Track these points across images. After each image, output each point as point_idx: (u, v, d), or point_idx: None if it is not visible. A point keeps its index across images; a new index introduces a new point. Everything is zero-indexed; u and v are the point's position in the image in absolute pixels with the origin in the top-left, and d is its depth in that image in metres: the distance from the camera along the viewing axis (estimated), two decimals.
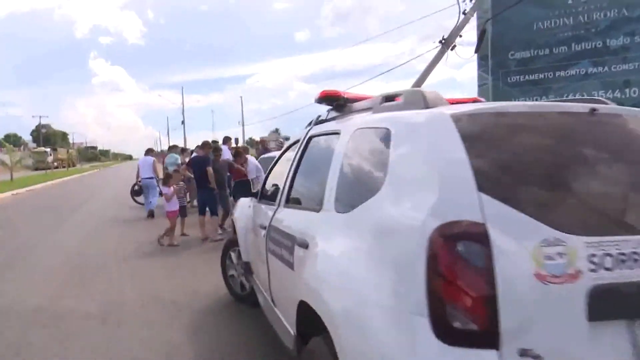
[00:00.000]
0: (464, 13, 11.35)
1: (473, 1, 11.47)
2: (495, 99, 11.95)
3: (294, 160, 3.20)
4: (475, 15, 11.95)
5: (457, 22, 11.35)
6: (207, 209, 8.43)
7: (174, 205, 8.09)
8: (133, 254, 7.46)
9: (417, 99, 2.11)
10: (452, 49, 11.45)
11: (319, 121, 3.19)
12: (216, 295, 5.18)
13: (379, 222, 1.85)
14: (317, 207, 2.48)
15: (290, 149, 3.66)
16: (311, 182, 2.86)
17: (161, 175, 14.18)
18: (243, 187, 4.15)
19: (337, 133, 2.61)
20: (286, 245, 2.71)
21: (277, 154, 10.26)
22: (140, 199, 13.14)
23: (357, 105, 2.82)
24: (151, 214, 11.82)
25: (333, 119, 2.99)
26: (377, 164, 2.08)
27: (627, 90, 10.41)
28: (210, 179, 8.12)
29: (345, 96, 2.96)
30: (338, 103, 2.96)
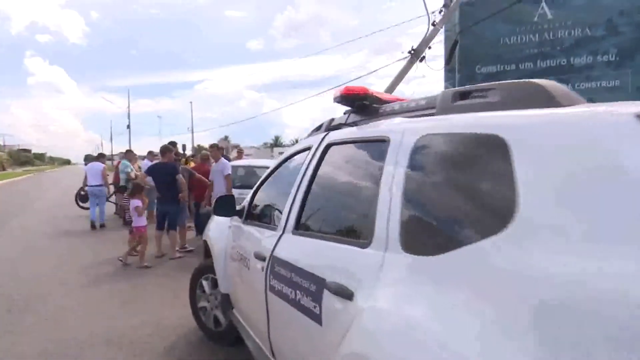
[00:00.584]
0: (433, 24, 11.16)
1: (442, 13, 11.32)
2: None
3: (302, 174, 2.54)
4: (442, 28, 11.85)
5: (427, 33, 11.15)
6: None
7: (143, 220, 7.14)
8: (78, 278, 6.45)
9: (533, 94, 1.56)
10: (421, 61, 11.21)
11: (333, 126, 2.59)
12: (184, 331, 4.40)
13: (514, 278, 1.23)
14: (361, 240, 1.87)
15: (290, 159, 3.03)
16: (342, 205, 2.27)
17: (115, 184, 13.17)
18: (226, 204, 3.43)
19: (383, 140, 1.99)
20: (307, 289, 2.08)
21: (242, 162, 9.56)
22: (88, 204, 11.92)
23: (392, 106, 2.26)
24: (94, 225, 10.73)
25: (356, 122, 2.41)
26: (490, 185, 1.47)
27: None
28: (183, 188, 7.28)
29: (374, 95, 2.39)
30: (364, 103, 2.38)
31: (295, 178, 2.51)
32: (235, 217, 3.47)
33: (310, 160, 2.46)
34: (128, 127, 52.72)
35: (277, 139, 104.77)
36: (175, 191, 7.26)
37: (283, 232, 2.52)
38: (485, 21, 11.15)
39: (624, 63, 10.30)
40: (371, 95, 2.35)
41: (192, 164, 10.12)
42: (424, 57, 11.34)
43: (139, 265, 6.95)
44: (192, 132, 57.44)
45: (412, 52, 11.20)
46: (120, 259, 7.11)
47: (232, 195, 3.52)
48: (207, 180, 8.33)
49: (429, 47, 11.41)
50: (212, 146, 7.78)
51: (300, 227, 2.41)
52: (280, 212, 2.66)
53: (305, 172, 2.47)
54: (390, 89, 11.36)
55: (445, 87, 12.12)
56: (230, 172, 7.27)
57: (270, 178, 3.36)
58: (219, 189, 7.31)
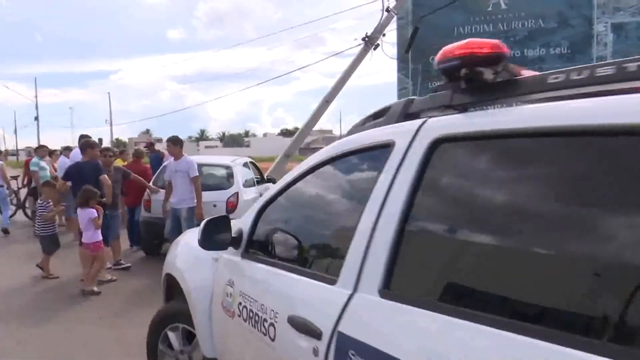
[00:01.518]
0: (387, 10, 10.52)
1: (396, 1, 10.72)
2: None
3: (385, 191, 1.46)
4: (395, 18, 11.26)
5: (381, 19, 10.50)
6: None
7: (99, 234, 5.67)
8: None
9: None
10: (375, 48, 10.54)
11: (412, 112, 1.69)
12: None
13: None
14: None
15: (336, 164, 1.89)
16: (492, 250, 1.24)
17: (19, 185, 11.05)
18: (219, 231, 2.20)
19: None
20: None
21: (191, 159, 8.12)
22: None
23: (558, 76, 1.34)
24: (4, 231, 8.98)
25: (469, 105, 1.52)
26: None
27: None
28: (108, 192, 5.87)
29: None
30: (495, 73, 1.46)
31: (365, 196, 1.51)
32: (230, 250, 2.32)
33: (399, 168, 1.44)
34: (36, 119, 47.51)
35: (202, 132, 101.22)
36: (102, 196, 5.88)
37: (354, 290, 1.45)
38: (440, 10, 10.72)
39: (575, 56, 10.30)
40: (506, 56, 1.43)
41: (121, 162, 8.58)
42: (378, 44, 10.69)
43: (86, 289, 5.48)
44: (111, 125, 53.44)
45: (366, 39, 10.49)
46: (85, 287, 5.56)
47: (226, 217, 2.36)
48: (144, 181, 7.01)
49: (384, 35, 10.78)
50: (172, 141, 6.37)
51: (397, 286, 1.36)
52: (338, 253, 1.65)
53: (390, 187, 1.44)
54: (343, 80, 10.60)
55: (399, 79, 11.59)
56: (196, 174, 6.03)
57: (292, 191, 2.12)
58: (181, 195, 6.07)
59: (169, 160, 7.26)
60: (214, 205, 6.43)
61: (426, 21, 11.07)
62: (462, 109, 1.49)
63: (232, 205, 6.46)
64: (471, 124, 1.36)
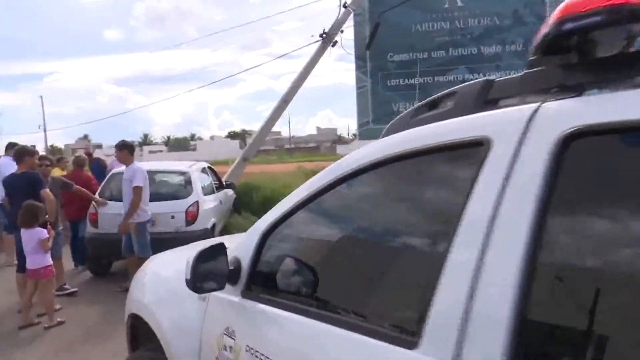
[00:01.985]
0: (344, 6, 10.18)
1: None
2: (374, 104, 11.17)
3: (492, 210, 0.98)
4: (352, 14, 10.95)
5: (338, 15, 10.14)
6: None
7: (48, 258, 4.72)
8: None
9: None
10: (333, 45, 10.17)
11: (493, 99, 1.22)
12: None
13: None
14: None
15: (394, 168, 1.36)
16: None
17: None
18: (211, 259, 1.73)
19: None
20: None
21: (124, 168, 7.10)
22: None
23: None
24: None
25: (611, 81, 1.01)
26: None
27: None
28: (50, 207, 5.03)
29: None
30: None
31: (451, 216, 1.02)
32: (228, 289, 1.70)
33: (508, 177, 0.97)
34: None
35: (146, 136, 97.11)
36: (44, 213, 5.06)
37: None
38: (397, 7, 10.53)
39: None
40: None
41: (60, 171, 7.59)
42: (336, 41, 10.32)
43: (50, 324, 4.60)
44: (45, 131, 50.03)
45: (324, 36, 10.10)
46: (44, 324, 4.67)
47: (221, 245, 1.74)
48: (89, 193, 6.19)
49: (342, 31, 10.44)
50: (118, 146, 5.58)
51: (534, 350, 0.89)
52: (413, 296, 1.19)
53: (499, 204, 0.97)
54: (301, 79, 10.16)
55: (357, 77, 11.31)
56: (141, 184, 5.27)
57: (319, 206, 1.57)
58: (126, 207, 5.36)
59: (121, 168, 6.42)
60: (172, 217, 5.78)
61: (383, 19, 10.84)
62: (580, 91, 1.07)
63: (192, 216, 5.83)
64: (618, 110, 0.93)
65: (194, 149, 77.56)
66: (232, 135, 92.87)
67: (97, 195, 6.22)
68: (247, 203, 8.63)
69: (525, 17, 10.46)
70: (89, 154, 10.20)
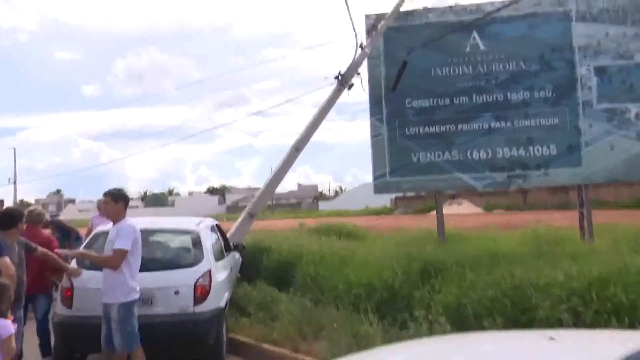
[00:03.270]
0: (360, 47, 9.29)
1: (369, 38, 9.56)
2: (392, 154, 10.05)
3: None
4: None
5: (354, 56, 9.22)
6: None
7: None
8: None
9: None
10: (349, 88, 9.16)
11: None
12: None
13: None
14: None
15: None
16: None
17: None
18: None
19: None
20: None
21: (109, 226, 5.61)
22: None
23: None
24: None
25: None
26: None
27: (530, 147, 9.59)
28: (11, 282, 3.51)
29: None
30: None
31: None
32: None
33: None
34: None
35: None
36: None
37: None
38: (415, 50, 9.73)
39: (560, 101, 9.60)
40: None
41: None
42: (352, 84, 9.33)
43: None
44: (15, 183, 47.62)
45: (340, 77, 9.10)
46: None
47: None
48: (57, 257, 4.64)
49: (358, 73, 9.48)
50: (111, 194, 4.31)
51: None
52: None
53: None
54: (315, 124, 9.03)
55: (372, 124, 10.25)
56: (126, 247, 3.81)
57: None
58: (112, 283, 3.86)
59: (107, 225, 4.94)
60: (176, 293, 4.31)
61: (399, 62, 10.00)
62: None
63: (203, 292, 4.36)
64: None
65: (172, 205, 75.25)
66: (212, 191, 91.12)
67: (72, 262, 4.69)
68: (256, 268, 7.16)
69: (553, 62, 9.73)
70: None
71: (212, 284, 4.41)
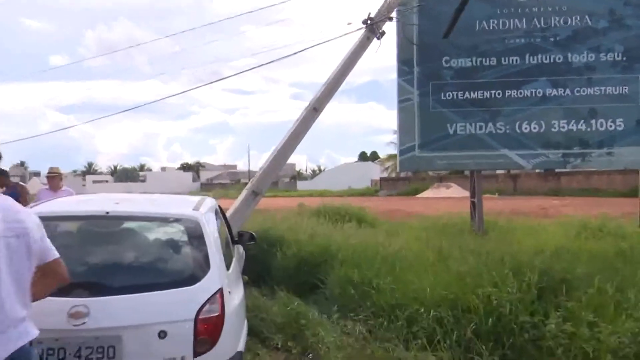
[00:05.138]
0: None
1: None
2: (423, 123, 8.17)
3: None
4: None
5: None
6: None
7: None
8: None
9: None
10: (379, 37, 7.17)
11: None
12: None
13: None
14: None
15: None
16: None
17: None
18: None
19: None
20: None
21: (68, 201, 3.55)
22: None
23: None
24: None
25: None
26: None
27: (592, 121, 7.86)
28: None
29: None
30: None
31: None
32: None
33: None
34: None
35: (90, 165, 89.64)
36: None
37: None
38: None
39: (632, 65, 7.85)
40: None
41: None
42: (384, 32, 7.34)
43: None
44: None
45: (368, 22, 7.09)
46: None
47: None
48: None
49: (390, 19, 7.48)
50: None
51: None
52: None
53: None
54: (339, 78, 7.03)
55: (399, 86, 8.32)
56: (55, 256, 1.85)
57: None
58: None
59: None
60: (161, 335, 2.31)
61: (437, 11, 8.07)
62: None
63: (211, 331, 2.39)
64: None
65: (143, 180, 71.73)
66: (186, 167, 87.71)
67: None
68: (266, 267, 5.22)
69: (626, 18, 7.95)
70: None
71: (227, 314, 2.48)
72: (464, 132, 8.05)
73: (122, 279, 2.43)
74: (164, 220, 2.84)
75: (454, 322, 3.46)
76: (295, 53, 11.35)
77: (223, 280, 2.63)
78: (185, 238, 2.73)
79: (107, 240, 2.65)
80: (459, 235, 7.14)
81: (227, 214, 5.98)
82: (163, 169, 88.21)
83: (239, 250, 4.60)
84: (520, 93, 8.02)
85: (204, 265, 2.58)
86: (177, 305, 2.38)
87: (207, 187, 63.06)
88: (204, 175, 78.91)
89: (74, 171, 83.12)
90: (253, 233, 4.52)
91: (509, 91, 8.04)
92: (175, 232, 2.78)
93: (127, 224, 2.80)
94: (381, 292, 3.94)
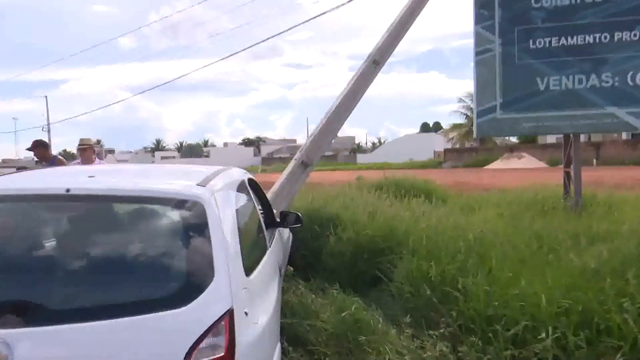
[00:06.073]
0: None
1: None
2: (507, 78, 6.78)
3: None
4: None
5: None
6: None
7: None
8: None
9: None
10: None
11: None
12: None
13: None
14: None
15: None
16: None
17: None
18: None
19: None
20: None
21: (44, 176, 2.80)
22: None
23: None
24: None
25: None
26: None
27: None
28: None
29: None
30: None
31: None
32: None
33: None
34: None
35: (159, 142, 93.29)
36: None
37: None
38: None
39: None
40: None
41: None
42: None
43: None
44: (49, 132, 46.49)
45: None
46: None
47: None
48: None
49: None
50: None
51: None
52: None
53: None
54: (403, 27, 5.79)
55: (477, 35, 6.94)
56: None
57: None
58: None
59: None
60: None
61: None
62: None
63: None
64: None
65: (207, 156, 73.56)
66: (247, 143, 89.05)
67: None
68: (314, 255, 4.27)
69: None
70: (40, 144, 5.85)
71: (240, 350, 1.53)
72: (558, 87, 6.57)
73: (69, 298, 1.56)
74: (149, 201, 1.89)
75: (587, 348, 2.32)
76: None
77: (237, 293, 1.68)
78: (178, 229, 1.79)
79: (58, 233, 1.80)
80: (551, 213, 5.83)
81: (272, 190, 5.07)
82: (225, 144, 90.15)
83: (282, 236, 3.66)
84: (635, 35, 6.38)
85: (205, 273, 1.64)
86: (157, 341, 1.46)
87: (267, 161, 63.58)
88: (265, 150, 79.93)
89: (144, 148, 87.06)
90: (299, 214, 3.55)
91: (619, 33, 6.42)
92: (164, 220, 1.85)
93: (94, 208, 1.89)
94: (471, 296, 2.85)
